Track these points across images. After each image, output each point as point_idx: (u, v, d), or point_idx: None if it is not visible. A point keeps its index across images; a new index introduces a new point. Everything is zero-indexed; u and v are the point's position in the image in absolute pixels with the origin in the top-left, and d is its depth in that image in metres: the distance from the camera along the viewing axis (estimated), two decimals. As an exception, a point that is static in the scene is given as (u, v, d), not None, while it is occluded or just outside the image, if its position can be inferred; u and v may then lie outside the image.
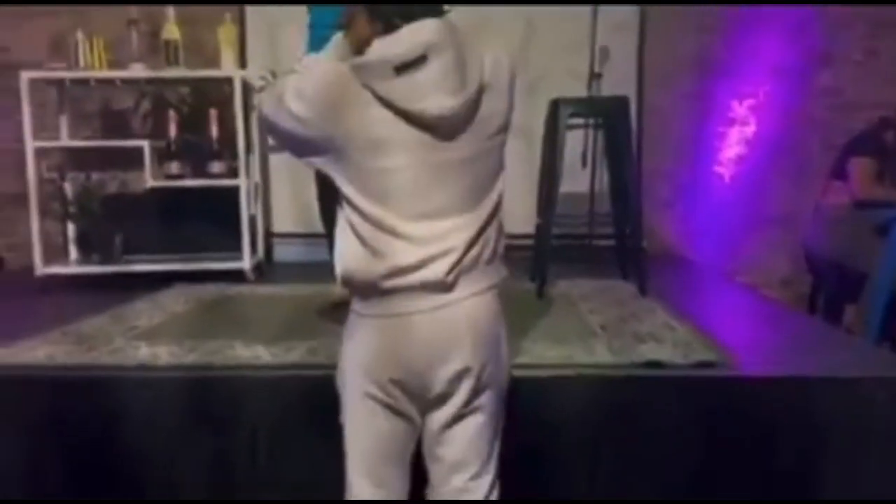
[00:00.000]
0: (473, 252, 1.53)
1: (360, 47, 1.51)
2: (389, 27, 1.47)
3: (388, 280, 1.49)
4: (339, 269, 1.58)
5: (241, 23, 4.10)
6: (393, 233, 1.49)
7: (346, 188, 1.51)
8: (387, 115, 1.44)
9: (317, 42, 2.72)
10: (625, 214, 3.34)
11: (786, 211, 4.22)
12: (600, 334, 2.45)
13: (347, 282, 1.57)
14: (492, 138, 1.55)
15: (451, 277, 1.50)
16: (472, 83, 1.47)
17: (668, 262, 4.02)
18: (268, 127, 1.60)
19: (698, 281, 3.80)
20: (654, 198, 4.20)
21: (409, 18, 1.46)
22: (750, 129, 4.24)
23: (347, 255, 1.55)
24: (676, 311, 2.75)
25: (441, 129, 1.46)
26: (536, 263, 3.31)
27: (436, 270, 1.49)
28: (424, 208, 1.49)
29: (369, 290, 1.53)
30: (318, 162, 1.53)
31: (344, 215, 1.55)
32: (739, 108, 4.23)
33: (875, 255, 3.38)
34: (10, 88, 3.75)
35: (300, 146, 1.54)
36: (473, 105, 1.48)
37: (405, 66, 1.42)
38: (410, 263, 1.48)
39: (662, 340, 2.34)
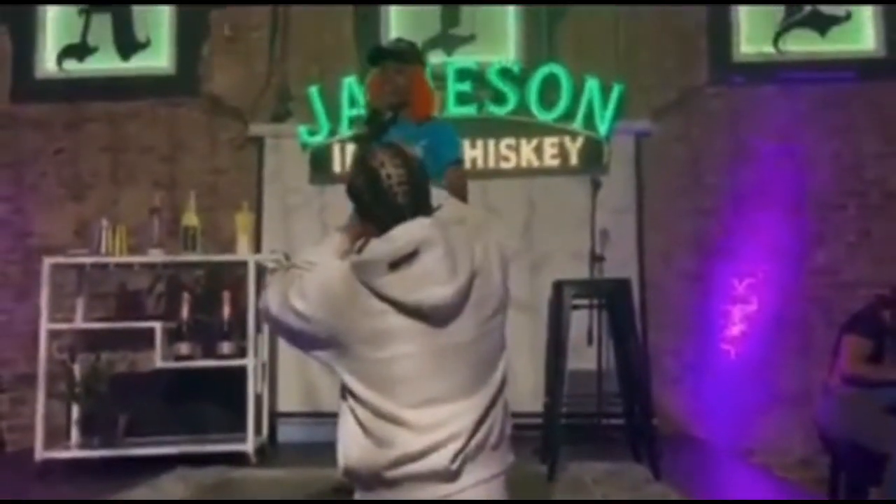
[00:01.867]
0: (479, 436, 1.52)
1: (353, 242, 1.62)
2: (383, 228, 1.57)
3: (391, 470, 1.48)
4: (341, 461, 1.56)
5: (257, 209, 4.31)
6: (396, 421, 1.49)
7: (349, 379, 1.54)
8: (386, 307, 1.51)
9: None
10: (633, 393, 3.33)
11: (796, 388, 4.18)
12: (614, 524, 2.36)
13: (350, 473, 1.55)
14: (489, 320, 1.59)
15: (456, 465, 1.48)
16: (463, 272, 1.54)
17: (679, 441, 3.93)
18: (272, 324, 1.65)
19: (711, 462, 3.70)
20: (661, 374, 4.19)
21: (400, 219, 1.55)
22: (752, 308, 4.31)
23: (350, 445, 1.54)
24: (691, 496, 2.66)
25: (438, 317, 1.52)
26: (547, 444, 3.25)
27: (441, 458, 1.47)
28: (427, 394, 1.50)
29: (372, 480, 1.51)
30: (322, 356, 1.57)
31: (347, 406, 1.57)
32: (740, 287, 4.32)
33: (890, 435, 3.30)
34: (33, 271, 3.90)
35: (305, 341, 1.58)
36: (466, 291, 1.54)
37: (398, 262, 1.50)
38: (414, 451, 1.47)
39: (679, 531, 2.25)
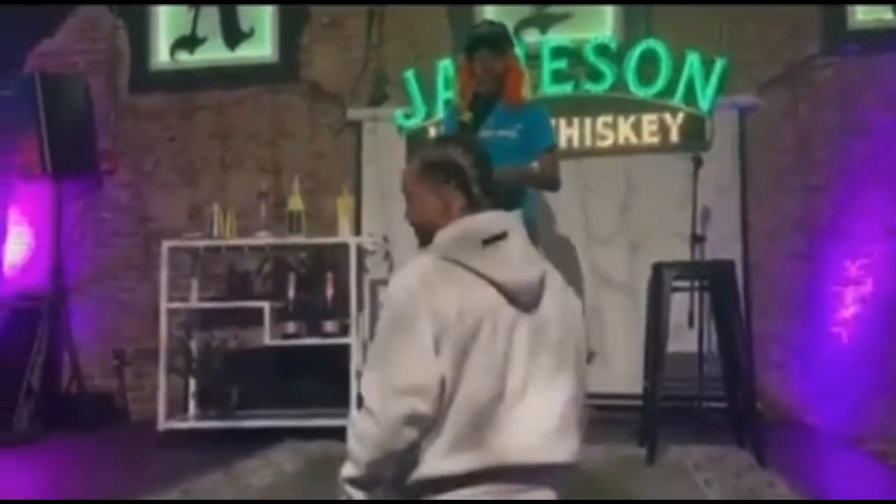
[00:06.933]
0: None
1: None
2: (474, 206, 1.63)
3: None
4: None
5: (356, 193, 4.42)
6: (478, 435, 1.45)
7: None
8: (478, 283, 1.50)
9: None
10: (736, 377, 3.25)
11: (914, 373, 3.96)
12: (717, 510, 2.33)
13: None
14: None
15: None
16: (540, 266, 1.60)
17: (785, 427, 3.81)
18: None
19: (820, 449, 3.57)
20: (766, 358, 4.06)
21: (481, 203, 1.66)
22: (866, 289, 4.10)
23: (429, 459, 1.47)
24: (798, 484, 2.59)
25: (523, 301, 1.52)
26: (645, 427, 3.23)
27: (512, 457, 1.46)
28: (502, 387, 1.46)
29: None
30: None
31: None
32: (853, 267, 4.12)
33: None
34: (153, 253, 4.16)
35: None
36: (541, 288, 1.58)
37: (491, 240, 1.54)
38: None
39: (786, 520, 2.20)
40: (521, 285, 1.52)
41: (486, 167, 1.68)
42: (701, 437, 3.36)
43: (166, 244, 3.89)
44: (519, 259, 1.55)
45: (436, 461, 1.43)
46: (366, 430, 1.44)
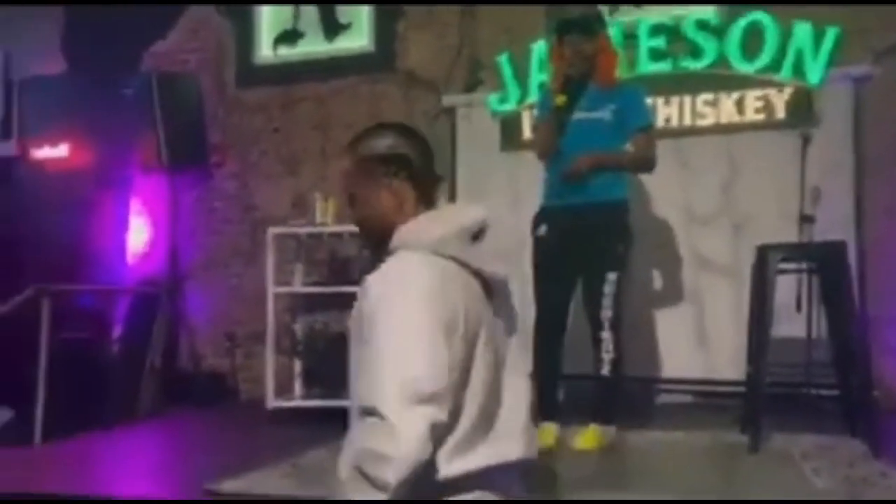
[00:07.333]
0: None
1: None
2: (427, 198, 1.52)
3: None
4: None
5: (451, 178, 4.47)
6: (482, 432, 1.41)
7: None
8: (471, 280, 1.43)
9: (551, 187, 3.06)
10: (849, 364, 3.10)
11: None
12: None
13: None
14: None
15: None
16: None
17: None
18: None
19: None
20: (883, 345, 3.84)
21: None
22: None
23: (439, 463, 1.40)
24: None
25: (501, 296, 1.49)
26: (748, 414, 3.13)
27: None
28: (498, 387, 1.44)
29: None
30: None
31: None
32: (982, 248, 3.83)
33: None
34: (259, 240, 4.36)
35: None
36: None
37: (478, 234, 1.46)
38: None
39: (901, 512, 2.09)
40: (503, 280, 1.48)
41: (429, 153, 1.56)
42: (809, 426, 3.23)
43: (272, 231, 4.06)
44: (495, 255, 1.49)
45: (446, 464, 1.34)
46: (389, 449, 1.23)
